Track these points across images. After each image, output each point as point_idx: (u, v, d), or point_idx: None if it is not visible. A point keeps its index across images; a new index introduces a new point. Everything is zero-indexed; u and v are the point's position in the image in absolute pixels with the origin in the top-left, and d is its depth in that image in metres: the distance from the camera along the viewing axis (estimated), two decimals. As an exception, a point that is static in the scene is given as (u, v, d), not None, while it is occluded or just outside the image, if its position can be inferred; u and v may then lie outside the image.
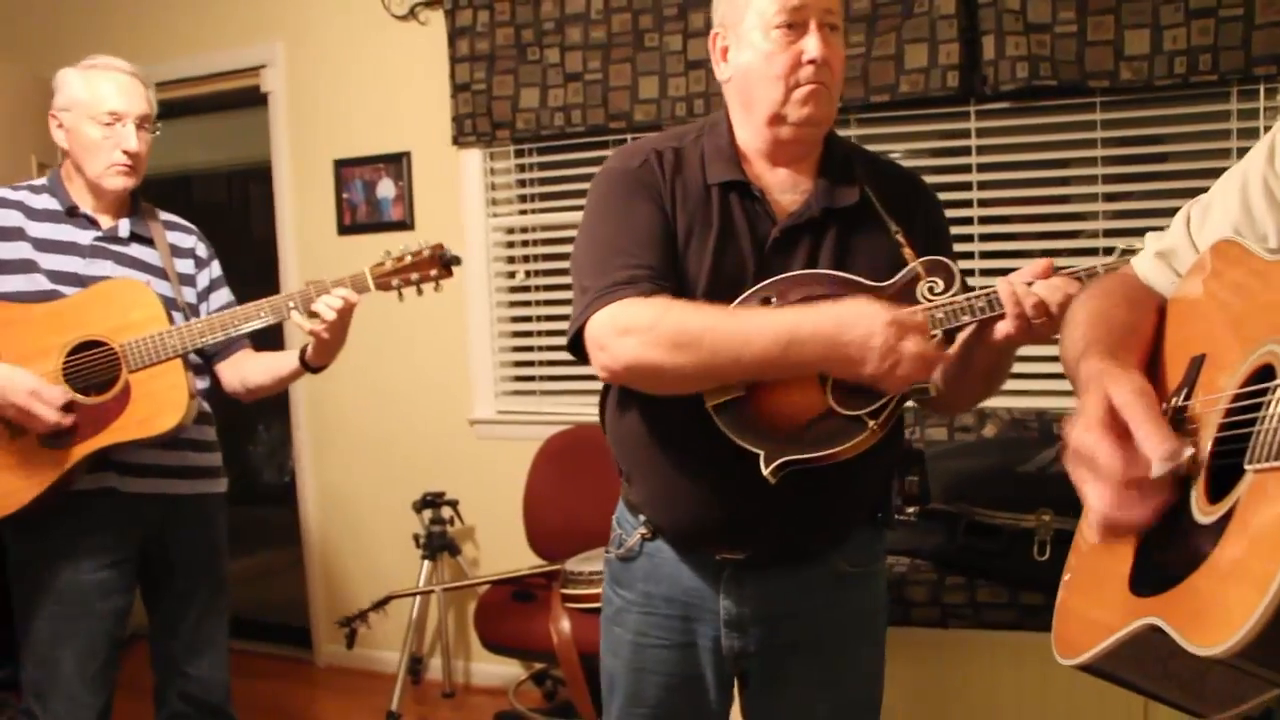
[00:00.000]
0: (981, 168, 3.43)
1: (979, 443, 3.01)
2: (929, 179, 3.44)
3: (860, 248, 1.77)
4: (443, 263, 2.43)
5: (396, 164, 4.09)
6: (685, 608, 1.85)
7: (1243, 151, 3.18)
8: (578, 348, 1.74)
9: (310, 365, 2.51)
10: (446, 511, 3.99)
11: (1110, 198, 3.34)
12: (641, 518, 1.88)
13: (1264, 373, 0.98)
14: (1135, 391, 1.04)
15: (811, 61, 1.71)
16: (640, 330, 1.63)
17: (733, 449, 1.67)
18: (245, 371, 2.61)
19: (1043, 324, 1.62)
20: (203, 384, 2.58)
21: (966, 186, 3.45)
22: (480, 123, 3.86)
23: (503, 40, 3.80)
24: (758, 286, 1.72)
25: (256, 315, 2.40)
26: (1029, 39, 3.18)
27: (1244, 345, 1.03)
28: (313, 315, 2.37)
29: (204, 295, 2.64)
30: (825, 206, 1.77)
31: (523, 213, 4.03)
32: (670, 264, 1.73)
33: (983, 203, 3.45)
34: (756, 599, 1.82)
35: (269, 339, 2.64)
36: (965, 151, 3.44)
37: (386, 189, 4.11)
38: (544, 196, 3.97)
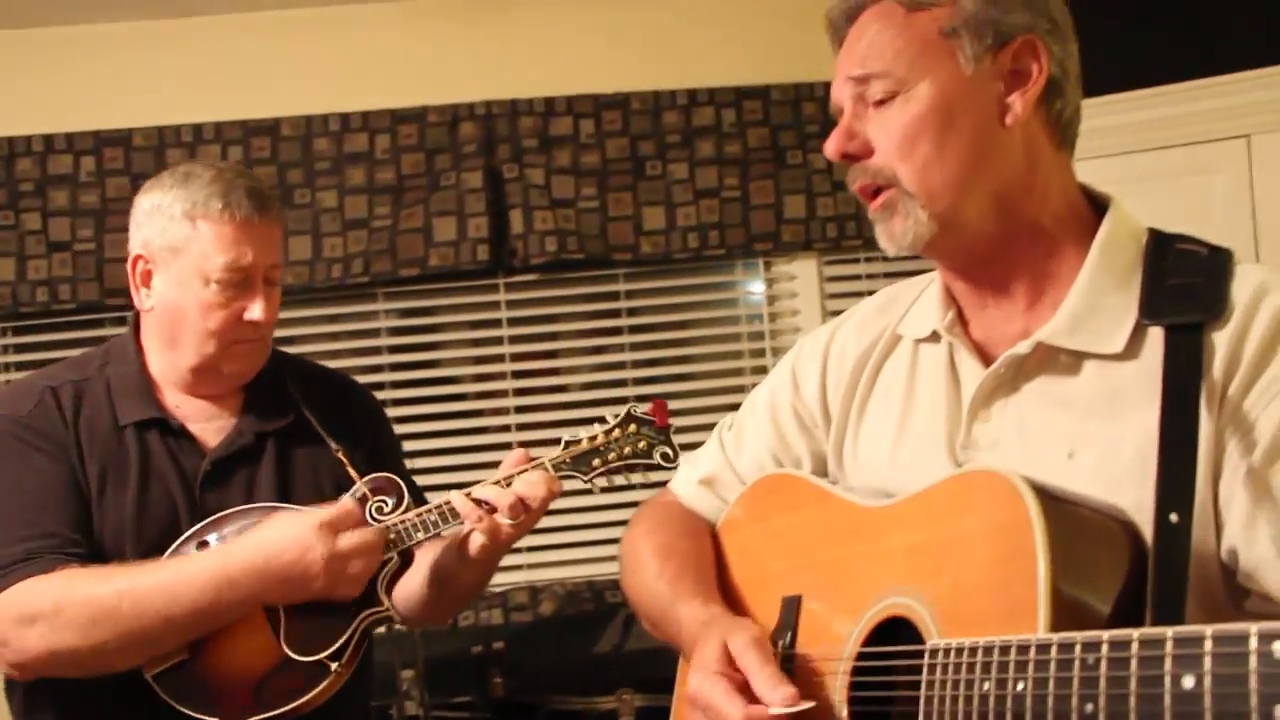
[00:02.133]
0: (513, 339, 3.43)
1: (543, 624, 2.92)
2: (466, 352, 3.44)
3: (302, 469, 1.69)
4: None
5: None
6: None
7: (750, 319, 3.44)
8: None
9: None
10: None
11: (638, 364, 3.46)
12: None
13: (893, 625, 1.00)
14: (752, 639, 1.05)
15: (253, 323, 1.63)
16: (45, 615, 1.46)
17: None
18: None
19: (520, 523, 1.59)
20: None
21: (500, 359, 3.42)
22: (-62, 299, 3.27)
23: (-35, 201, 3.28)
24: (190, 531, 1.59)
25: None
26: (555, 214, 3.26)
27: (856, 594, 1.05)
28: None
29: None
30: (257, 431, 1.68)
31: None
32: (79, 524, 1.55)
33: (516, 374, 3.44)
34: None
35: None
36: (497, 324, 3.42)
37: None
38: (24, 382, 3.42)
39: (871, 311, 1.26)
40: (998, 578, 0.89)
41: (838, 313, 3.87)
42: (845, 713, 1.01)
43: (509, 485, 1.59)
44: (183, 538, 1.59)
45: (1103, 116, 2.68)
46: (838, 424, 1.23)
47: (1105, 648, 0.75)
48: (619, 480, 1.70)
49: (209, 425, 1.67)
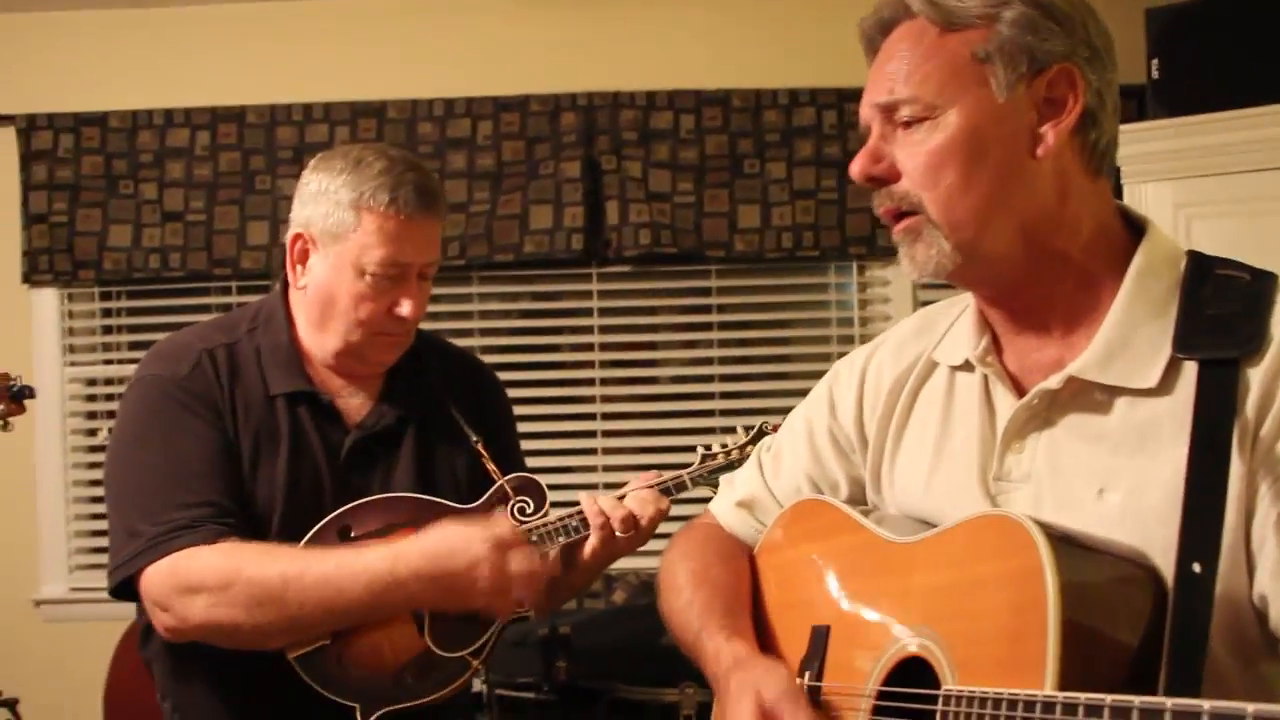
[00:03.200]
0: (603, 329, 3.47)
1: (613, 612, 2.95)
2: (557, 339, 3.48)
3: (441, 458, 1.69)
4: (11, 395, 2.03)
5: (-50, 301, 3.54)
6: None
7: (842, 322, 3.42)
8: (125, 593, 1.55)
9: None
10: (3, 714, 3.38)
11: (725, 361, 3.47)
12: None
13: (916, 663, 1.00)
14: (784, 693, 1.04)
15: (401, 318, 1.62)
16: (211, 589, 1.48)
17: (324, 704, 1.52)
18: None
19: (631, 538, 1.62)
20: None
21: (589, 348, 3.46)
22: (59, 260, 3.42)
23: (89, 169, 3.42)
24: (334, 514, 1.59)
25: None
26: (650, 207, 3.28)
27: (879, 629, 1.06)
28: None
29: None
30: (399, 413, 1.68)
31: (107, 362, 3.60)
32: (235, 492, 1.57)
33: (605, 364, 3.47)
34: None
35: None
36: (588, 313, 3.46)
37: (-63, 327, 3.54)
38: (134, 345, 3.57)
39: (908, 335, 1.24)
40: (1010, 628, 0.89)
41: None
42: None
43: (622, 500, 1.64)
44: (323, 522, 1.59)
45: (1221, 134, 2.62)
46: (874, 449, 1.22)
47: (1107, 713, 0.76)
48: None
49: (352, 401, 1.68)
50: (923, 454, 1.16)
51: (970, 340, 1.12)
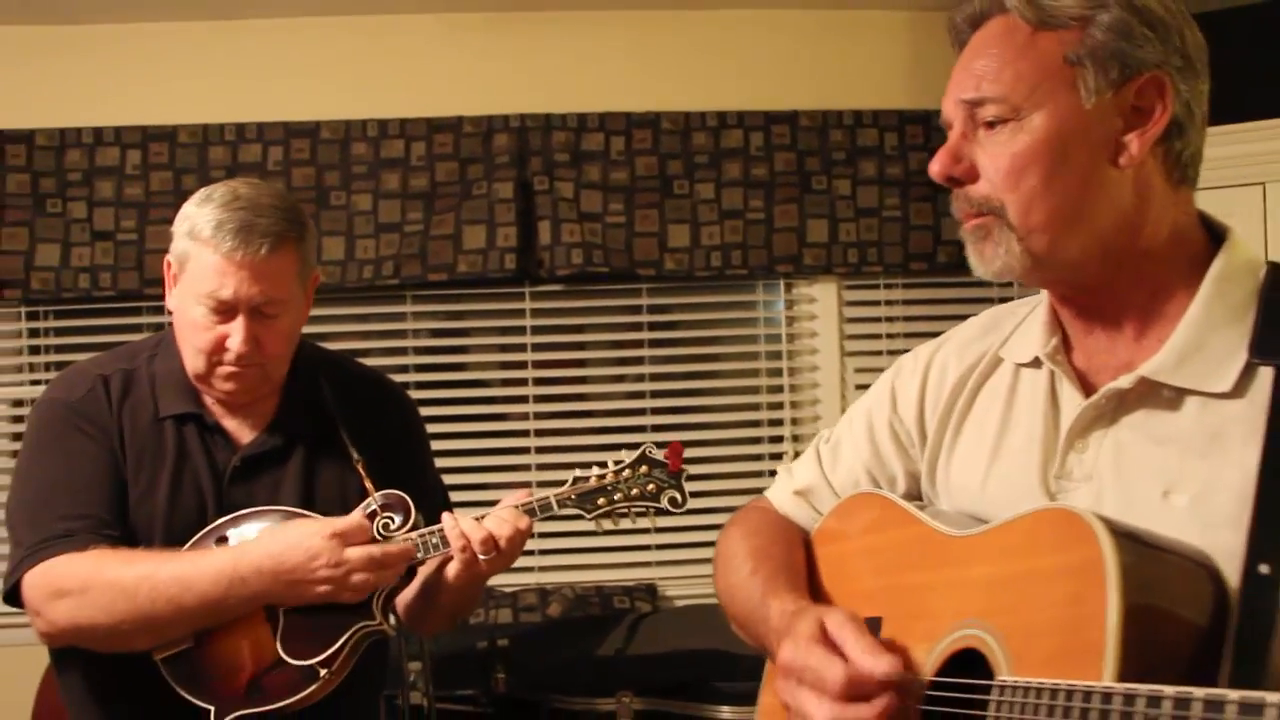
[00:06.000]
0: (536, 347, 3.51)
1: (550, 625, 2.98)
2: (490, 357, 3.51)
3: (326, 478, 1.74)
4: None
5: None
6: None
7: (770, 339, 3.49)
8: (15, 599, 1.63)
9: None
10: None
11: (656, 377, 3.53)
12: None
13: (965, 656, 1.00)
14: (848, 617, 1.04)
15: (234, 352, 1.65)
16: (74, 591, 1.56)
17: (185, 705, 1.59)
18: None
19: (493, 559, 1.61)
20: None
21: (523, 365, 3.50)
22: (-19, 280, 3.38)
23: (14, 188, 3.38)
24: (212, 526, 1.67)
25: None
26: (582, 227, 3.34)
27: (933, 621, 1.05)
28: None
29: None
30: (289, 434, 1.74)
31: (34, 383, 3.56)
32: (116, 509, 1.65)
33: (538, 381, 3.52)
34: None
35: None
36: (521, 331, 3.50)
37: None
38: (61, 366, 3.53)
39: (974, 333, 1.24)
40: (1069, 619, 0.88)
41: (855, 337, 3.84)
42: None
43: (481, 521, 1.63)
44: (203, 531, 1.66)
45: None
46: (933, 444, 1.23)
47: (1168, 704, 0.75)
48: (625, 523, 1.73)
49: (244, 423, 1.73)
50: (981, 450, 1.16)
51: (1041, 337, 1.12)
